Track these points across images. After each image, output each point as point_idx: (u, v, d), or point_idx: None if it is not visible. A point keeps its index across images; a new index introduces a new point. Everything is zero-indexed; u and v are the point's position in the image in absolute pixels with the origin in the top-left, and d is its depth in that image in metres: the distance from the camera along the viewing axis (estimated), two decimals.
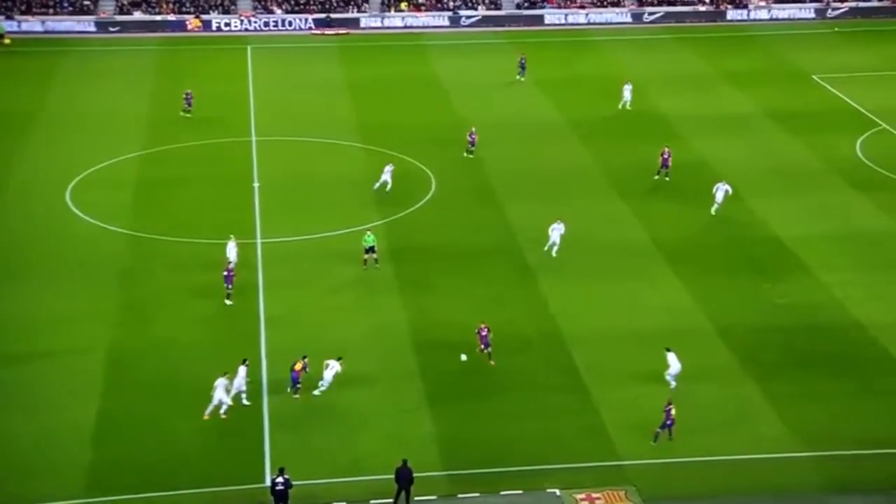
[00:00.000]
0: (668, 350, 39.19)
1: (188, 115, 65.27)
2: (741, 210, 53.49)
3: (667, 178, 56.15)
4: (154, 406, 38.15)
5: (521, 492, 34.06)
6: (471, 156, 58.99)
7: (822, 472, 35.31)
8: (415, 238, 50.26)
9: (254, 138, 62.63)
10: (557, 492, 34.03)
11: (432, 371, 39.98)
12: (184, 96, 65.93)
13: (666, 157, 56.51)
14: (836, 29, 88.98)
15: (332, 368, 38.72)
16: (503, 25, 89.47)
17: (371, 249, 47.35)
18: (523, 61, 73.91)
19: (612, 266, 47.96)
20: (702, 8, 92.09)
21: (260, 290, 45.18)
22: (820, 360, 40.94)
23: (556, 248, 47.85)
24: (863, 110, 67.75)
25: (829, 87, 72.47)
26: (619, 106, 67.48)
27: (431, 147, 61.44)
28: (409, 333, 42.34)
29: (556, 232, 47.99)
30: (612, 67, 78.04)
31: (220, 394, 37.25)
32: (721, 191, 52.12)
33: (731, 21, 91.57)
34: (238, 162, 59.11)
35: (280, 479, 33.57)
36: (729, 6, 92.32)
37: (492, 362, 40.18)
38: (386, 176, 54.32)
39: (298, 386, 38.57)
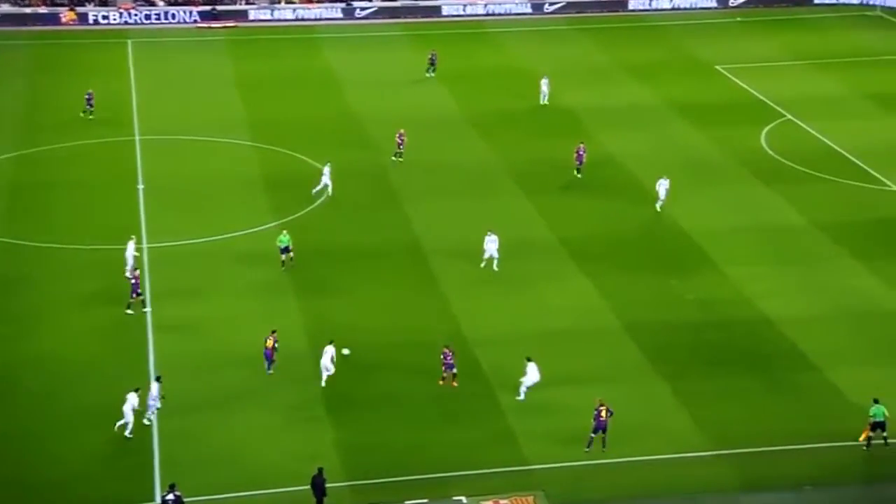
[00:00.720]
0: (529, 360, 39.06)
1: (91, 117, 64.04)
2: (647, 205, 54.42)
3: (579, 175, 56.82)
4: (36, 424, 37.34)
5: (426, 501, 34.13)
6: (399, 159, 58.50)
7: (734, 471, 36.02)
8: (312, 240, 50.01)
9: (137, 137, 61.66)
10: (464, 499, 34.19)
11: (332, 377, 39.82)
12: (85, 97, 64.68)
13: (581, 153, 57.20)
14: (739, 18, 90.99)
15: (328, 353, 38.99)
16: (399, 17, 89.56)
17: (286, 249, 47.17)
18: (433, 58, 73.85)
19: (517, 266, 48.30)
20: None
21: (148, 298, 44.51)
22: (730, 357, 41.86)
23: (496, 262, 47.04)
24: (767, 101, 69.44)
25: (733, 78, 74.11)
26: (541, 101, 68.03)
27: (327, 145, 61.22)
28: (306, 339, 42.12)
29: (491, 244, 47.41)
30: (513, 60, 78.65)
31: (127, 409, 36.66)
32: (662, 187, 52.87)
33: (632, 11, 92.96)
34: (121, 163, 58.13)
35: (170, 497, 33.24)
36: None
37: (454, 384, 39.64)
38: (325, 178, 53.80)
39: (273, 363, 39.72)
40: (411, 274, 47.37)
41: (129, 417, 36.66)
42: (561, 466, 36.02)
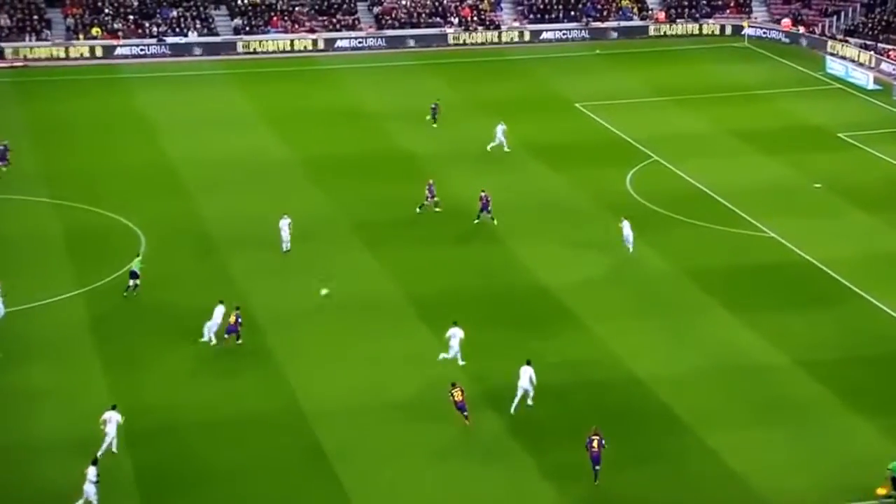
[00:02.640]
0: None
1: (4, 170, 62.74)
2: (503, 255, 54.88)
3: (491, 220, 57.33)
4: None
5: None
6: (437, 209, 58.87)
7: None
8: (123, 305, 48.86)
9: None
10: None
11: (147, 466, 38.67)
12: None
13: (485, 201, 57.61)
14: (598, 51, 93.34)
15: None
16: (218, 54, 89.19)
17: (135, 274, 49.39)
18: (435, 108, 73.25)
19: (357, 326, 47.95)
20: (449, 30, 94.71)
21: None
22: (599, 423, 42.13)
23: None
24: (631, 140, 71.00)
25: (594, 116, 75.63)
26: (489, 147, 68.07)
27: (137, 196, 60.18)
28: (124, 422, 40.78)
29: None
30: (351, 98, 78.89)
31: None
32: (626, 228, 54.00)
33: (482, 45, 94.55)
34: None
35: None
36: (479, 26, 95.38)
37: (467, 423, 40.88)
38: (284, 233, 54.06)
39: (237, 333, 45.47)
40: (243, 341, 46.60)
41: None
42: None
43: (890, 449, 40.14)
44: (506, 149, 67.98)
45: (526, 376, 42.08)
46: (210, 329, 46.06)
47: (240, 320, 45.89)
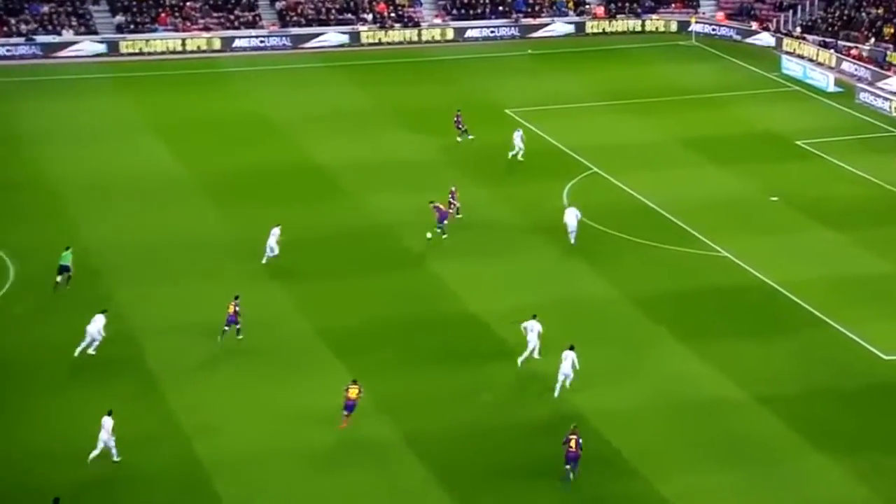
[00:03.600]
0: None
1: None
2: (429, 281, 55.04)
3: (444, 236, 58.65)
4: None
5: None
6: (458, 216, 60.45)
7: None
8: None
9: None
10: None
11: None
12: None
13: (443, 212, 58.81)
14: (530, 51, 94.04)
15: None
16: (98, 55, 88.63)
17: (66, 269, 52.07)
18: (458, 119, 73.08)
19: (263, 366, 47.81)
20: (363, 28, 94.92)
21: None
22: (537, 467, 42.27)
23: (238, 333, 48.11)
24: (567, 150, 71.60)
25: (526, 123, 75.88)
26: (510, 155, 69.09)
27: (5, 220, 59.67)
28: None
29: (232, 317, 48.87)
30: (252, 105, 78.71)
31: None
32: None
33: (400, 44, 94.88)
34: None
35: None
36: (396, 24, 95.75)
37: (343, 425, 43.01)
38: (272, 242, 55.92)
39: (237, 327, 48.55)
40: (127, 379, 46.24)
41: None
42: None
43: (859, 492, 40.79)
44: (520, 157, 68.90)
45: (568, 361, 45.30)
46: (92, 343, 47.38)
47: (238, 310, 48.56)
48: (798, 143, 73.95)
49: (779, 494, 40.97)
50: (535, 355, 47.55)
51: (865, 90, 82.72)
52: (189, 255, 56.84)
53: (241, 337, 48.86)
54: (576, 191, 65.47)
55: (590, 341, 49.77)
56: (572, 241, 56.75)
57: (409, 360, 48.44)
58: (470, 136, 72.47)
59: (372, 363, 47.90)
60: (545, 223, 60.73)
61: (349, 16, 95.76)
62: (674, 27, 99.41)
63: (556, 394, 45.46)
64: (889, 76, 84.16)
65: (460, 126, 72.77)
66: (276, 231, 55.93)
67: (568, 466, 40.36)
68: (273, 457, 42.19)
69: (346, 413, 43.14)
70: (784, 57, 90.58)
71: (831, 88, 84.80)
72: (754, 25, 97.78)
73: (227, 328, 48.88)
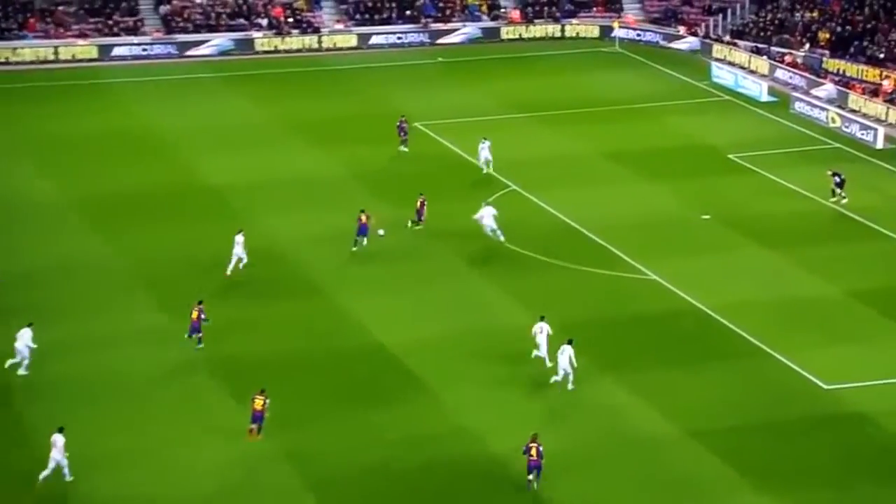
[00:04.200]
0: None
1: None
2: (330, 310, 54.53)
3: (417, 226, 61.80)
4: None
5: None
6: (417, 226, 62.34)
7: None
8: None
9: None
10: None
11: None
12: None
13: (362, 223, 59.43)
14: (441, 59, 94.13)
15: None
16: None
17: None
18: (402, 125, 73.33)
19: (152, 401, 47.32)
20: (257, 34, 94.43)
21: None
22: None
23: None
24: (483, 166, 71.69)
25: (437, 137, 76.02)
26: (483, 170, 69.85)
27: None
28: None
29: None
30: (134, 119, 78.19)
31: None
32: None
33: (298, 52, 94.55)
34: None
35: None
36: (294, 30, 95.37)
37: (251, 437, 44.42)
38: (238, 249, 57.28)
39: (200, 335, 50.47)
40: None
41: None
42: None
43: None
44: (485, 170, 69.12)
45: (566, 356, 47.25)
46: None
47: (203, 317, 50.42)
48: (730, 156, 74.51)
49: None
50: (547, 362, 49.19)
51: (801, 99, 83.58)
52: (66, 278, 56.43)
53: (201, 346, 50.47)
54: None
55: (506, 375, 49.65)
56: (500, 238, 58.24)
57: (308, 392, 48.01)
58: (404, 149, 72.84)
59: (272, 398, 47.34)
60: (459, 245, 60.49)
61: (241, 21, 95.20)
62: (595, 32, 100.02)
63: (570, 387, 48.11)
64: (825, 84, 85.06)
65: (404, 134, 72.94)
66: (239, 238, 56.41)
67: (531, 476, 41.96)
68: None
69: (253, 425, 44.30)
70: (714, 64, 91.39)
71: (764, 98, 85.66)
72: (681, 30, 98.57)
73: (190, 336, 50.57)
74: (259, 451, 43.93)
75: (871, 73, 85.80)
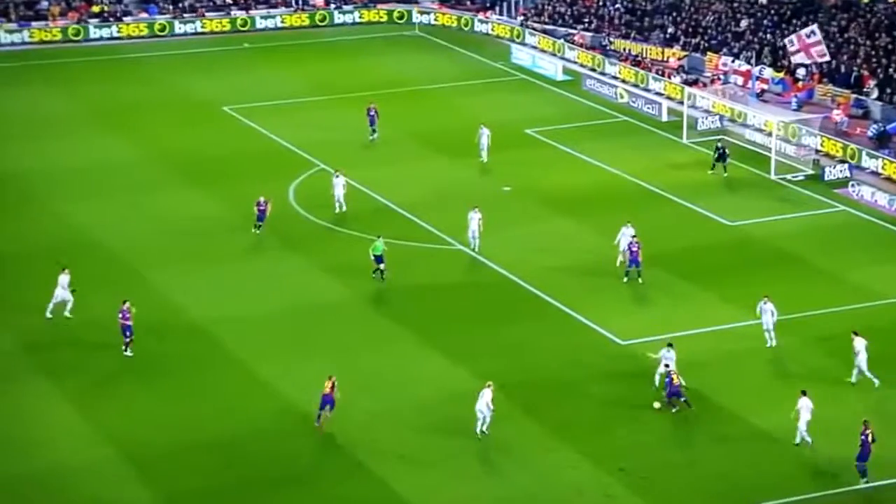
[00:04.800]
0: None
1: None
2: (146, 293, 54.34)
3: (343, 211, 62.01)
4: None
5: None
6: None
7: None
8: None
9: None
10: None
11: None
12: None
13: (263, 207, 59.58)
14: (247, 44, 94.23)
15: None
16: None
17: (379, 259, 55.50)
18: (373, 112, 72.67)
19: None
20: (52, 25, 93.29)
21: None
22: None
23: None
24: (292, 147, 72.14)
25: (247, 121, 76.40)
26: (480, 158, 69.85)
27: None
28: None
29: None
30: None
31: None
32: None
33: (98, 40, 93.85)
34: None
35: None
36: (92, 19, 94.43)
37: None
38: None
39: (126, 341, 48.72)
40: None
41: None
42: None
43: (605, 479, 42.28)
44: (338, 210, 63.83)
45: (483, 401, 44.28)
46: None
47: (129, 318, 48.36)
48: (527, 131, 76.08)
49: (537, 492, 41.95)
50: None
51: (591, 77, 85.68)
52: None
53: (129, 354, 48.73)
54: (303, 189, 65.97)
55: (328, 346, 50.26)
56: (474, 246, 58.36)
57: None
58: (374, 136, 73.25)
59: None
60: (274, 226, 60.66)
61: (28, 13, 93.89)
62: (397, 17, 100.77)
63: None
64: (614, 63, 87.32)
65: (373, 122, 72.95)
66: (64, 279, 51.71)
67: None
68: None
69: (324, 410, 44.03)
70: (514, 46, 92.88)
71: (560, 77, 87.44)
72: (480, 14, 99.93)
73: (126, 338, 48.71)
74: None
75: (655, 52, 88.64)
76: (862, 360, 47.09)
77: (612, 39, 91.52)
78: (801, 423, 43.43)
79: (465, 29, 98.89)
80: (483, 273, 57.27)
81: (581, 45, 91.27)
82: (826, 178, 67.96)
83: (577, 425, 45.29)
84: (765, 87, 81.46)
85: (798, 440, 43.61)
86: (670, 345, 47.29)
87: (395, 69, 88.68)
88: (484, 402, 44.18)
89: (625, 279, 55.81)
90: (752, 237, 61.27)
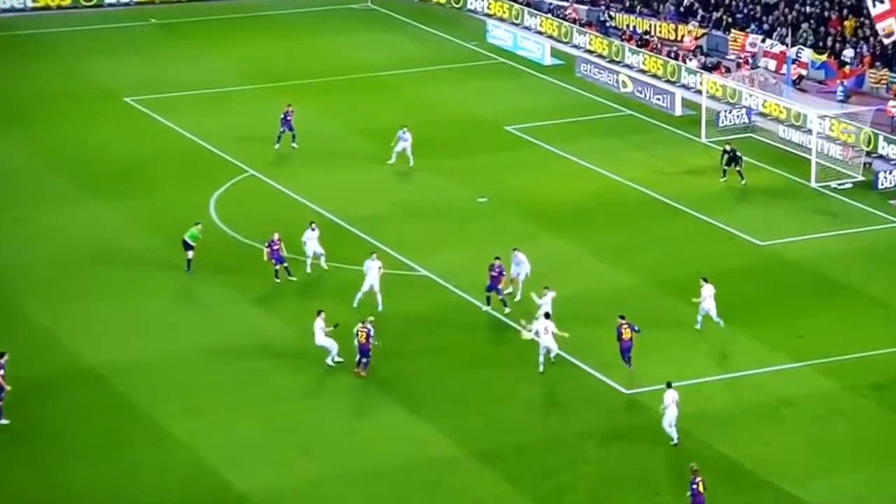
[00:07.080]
0: None
1: None
2: (33, 331, 54.35)
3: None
4: None
5: None
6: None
7: None
8: None
9: None
10: None
11: None
12: None
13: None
14: (154, 20, 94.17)
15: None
16: None
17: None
18: (288, 116, 71.58)
19: None
20: None
21: None
22: None
23: None
24: (213, 148, 72.20)
25: (154, 115, 76.56)
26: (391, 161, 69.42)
27: None
28: None
29: None
30: None
31: None
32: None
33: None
34: None
35: None
36: None
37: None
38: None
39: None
40: None
41: None
42: None
43: None
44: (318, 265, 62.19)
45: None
46: None
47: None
48: (508, 128, 76.05)
49: None
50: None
51: (587, 61, 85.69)
52: None
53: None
54: (227, 200, 65.67)
55: (249, 403, 50.03)
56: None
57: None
58: (293, 145, 72.51)
59: None
60: (178, 242, 60.28)
61: None
62: None
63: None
64: (615, 42, 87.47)
65: (289, 126, 71.92)
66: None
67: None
68: None
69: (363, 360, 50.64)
70: (490, 23, 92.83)
71: (548, 61, 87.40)
72: None
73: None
74: None
75: (666, 29, 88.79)
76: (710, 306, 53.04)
77: (612, 14, 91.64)
78: (669, 418, 45.98)
79: (429, 3, 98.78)
80: (448, 302, 57.02)
81: (574, 21, 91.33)
82: (880, 187, 68.14)
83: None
84: (803, 72, 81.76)
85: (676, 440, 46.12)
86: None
87: (343, 52, 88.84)
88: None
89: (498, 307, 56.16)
90: (787, 260, 61.43)
